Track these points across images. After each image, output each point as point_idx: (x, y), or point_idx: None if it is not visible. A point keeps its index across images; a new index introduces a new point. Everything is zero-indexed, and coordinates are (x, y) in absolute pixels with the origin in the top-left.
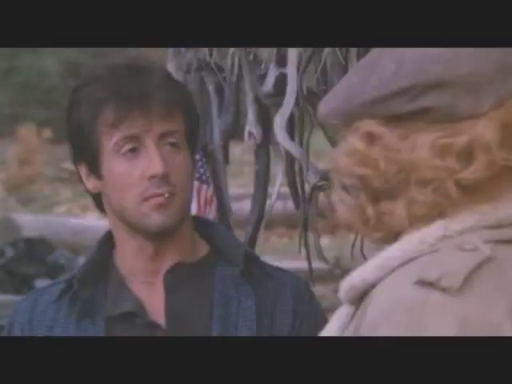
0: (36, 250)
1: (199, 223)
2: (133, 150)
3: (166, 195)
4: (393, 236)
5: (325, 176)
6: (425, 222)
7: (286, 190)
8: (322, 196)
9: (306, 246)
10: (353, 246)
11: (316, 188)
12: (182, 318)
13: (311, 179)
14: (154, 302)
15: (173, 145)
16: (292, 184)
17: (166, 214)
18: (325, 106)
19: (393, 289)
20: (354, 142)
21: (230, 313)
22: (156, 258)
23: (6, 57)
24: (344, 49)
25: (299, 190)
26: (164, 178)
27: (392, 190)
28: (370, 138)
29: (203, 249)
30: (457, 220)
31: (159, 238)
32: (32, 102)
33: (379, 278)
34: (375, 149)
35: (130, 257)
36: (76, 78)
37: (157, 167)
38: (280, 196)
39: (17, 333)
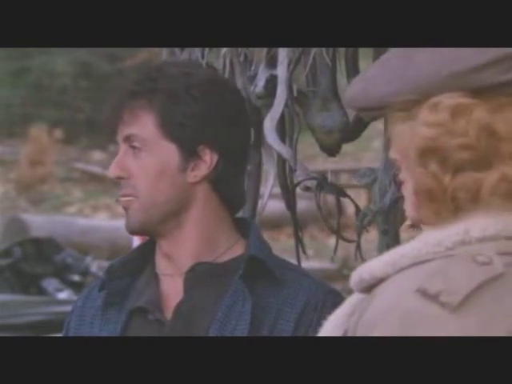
0: (43, 250)
1: (240, 224)
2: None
3: (127, 198)
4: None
5: (314, 177)
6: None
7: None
8: (320, 197)
9: (297, 245)
10: (357, 247)
11: (305, 189)
12: (187, 318)
13: (300, 180)
14: (175, 297)
15: (134, 148)
16: (283, 185)
17: (127, 216)
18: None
19: (395, 292)
20: (435, 115)
21: (230, 317)
22: (167, 253)
23: (17, 57)
24: (331, 50)
25: (290, 191)
26: (125, 181)
27: (482, 160)
28: (456, 110)
29: (240, 250)
30: (479, 226)
31: (150, 236)
32: (43, 102)
33: (388, 274)
34: (462, 121)
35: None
36: (87, 79)
37: (110, 170)
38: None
39: (72, 314)
